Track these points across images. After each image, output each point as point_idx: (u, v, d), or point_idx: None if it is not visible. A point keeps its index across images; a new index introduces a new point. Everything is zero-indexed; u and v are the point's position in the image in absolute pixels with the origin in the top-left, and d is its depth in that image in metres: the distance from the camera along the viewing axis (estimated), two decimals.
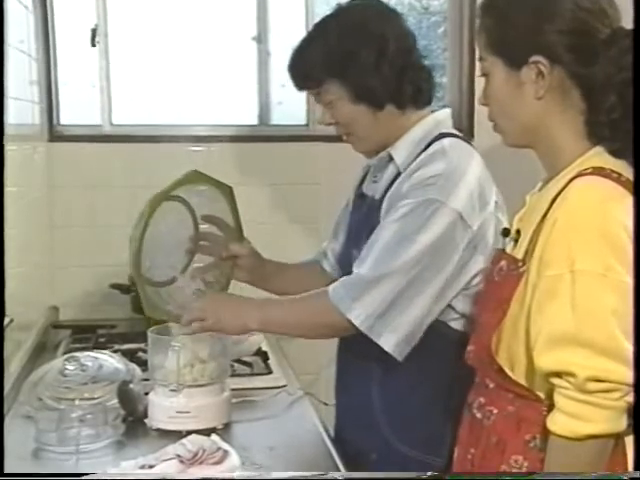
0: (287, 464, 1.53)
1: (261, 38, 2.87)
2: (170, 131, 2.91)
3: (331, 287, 1.62)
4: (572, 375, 1.23)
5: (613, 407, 1.23)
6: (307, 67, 1.73)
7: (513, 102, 1.39)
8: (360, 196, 1.85)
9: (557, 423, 1.26)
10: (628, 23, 1.37)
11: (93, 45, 2.85)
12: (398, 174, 1.70)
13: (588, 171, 1.32)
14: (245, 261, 1.91)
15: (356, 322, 1.58)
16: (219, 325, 1.67)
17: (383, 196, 1.71)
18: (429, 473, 1.36)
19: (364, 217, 1.77)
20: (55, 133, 2.86)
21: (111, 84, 2.90)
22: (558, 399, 1.27)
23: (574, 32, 1.33)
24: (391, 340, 1.59)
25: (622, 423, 1.26)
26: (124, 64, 2.91)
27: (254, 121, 3.02)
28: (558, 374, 1.26)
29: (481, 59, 1.43)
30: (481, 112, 1.49)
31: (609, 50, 1.32)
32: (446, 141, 1.68)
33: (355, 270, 1.63)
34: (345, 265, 1.80)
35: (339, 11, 1.75)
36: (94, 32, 2.85)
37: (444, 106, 1.79)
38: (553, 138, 1.38)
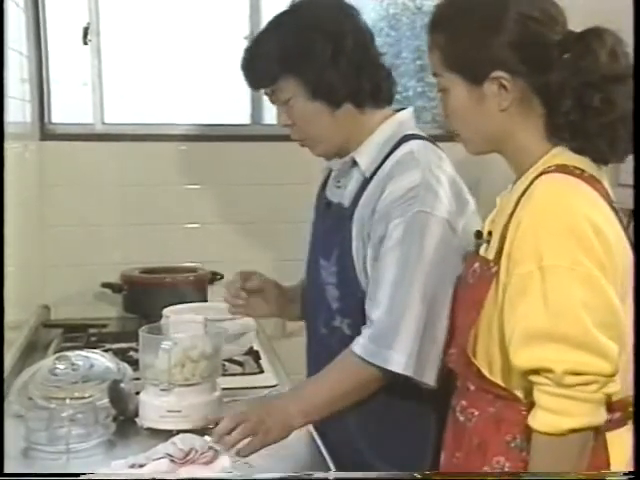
0: (278, 464, 1.53)
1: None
2: (162, 130, 2.91)
3: (357, 346, 1.55)
4: (549, 371, 1.24)
5: (592, 400, 1.24)
6: (262, 64, 1.66)
7: (476, 115, 1.39)
8: (325, 203, 1.80)
9: (538, 420, 1.27)
10: (627, 23, 1.37)
11: (85, 43, 2.85)
12: (364, 180, 1.65)
13: (551, 169, 1.33)
14: (269, 294, 1.88)
15: (399, 370, 1.52)
16: (269, 438, 1.52)
17: (353, 205, 1.65)
18: (421, 473, 1.36)
19: (333, 226, 1.71)
20: (46, 132, 2.85)
21: (103, 83, 2.90)
22: (538, 396, 1.27)
23: (528, 44, 1.34)
24: (432, 374, 1.54)
25: (602, 416, 1.26)
26: (116, 63, 2.90)
27: (246, 120, 3.02)
28: (536, 371, 1.26)
29: (436, 75, 1.42)
30: None
31: (563, 56, 1.33)
32: (413, 145, 1.63)
33: (373, 316, 1.55)
34: (312, 273, 1.77)
35: (294, 7, 1.70)
36: (86, 30, 2.84)
37: (402, 108, 1.73)
38: (517, 142, 1.40)
